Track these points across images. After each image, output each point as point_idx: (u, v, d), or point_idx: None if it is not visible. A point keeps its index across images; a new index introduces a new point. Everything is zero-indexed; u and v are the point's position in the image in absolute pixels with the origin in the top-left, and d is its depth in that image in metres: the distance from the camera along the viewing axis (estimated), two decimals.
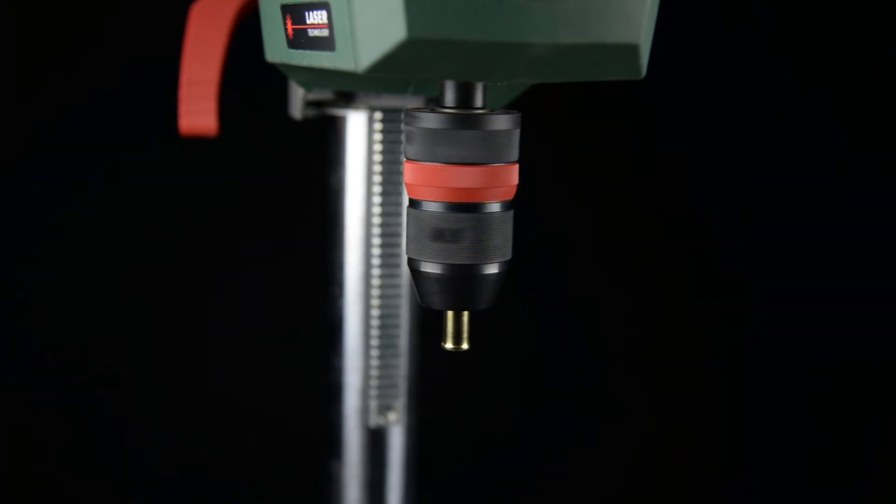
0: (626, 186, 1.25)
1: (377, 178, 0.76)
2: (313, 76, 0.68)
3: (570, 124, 1.22)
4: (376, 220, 0.77)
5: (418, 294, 0.53)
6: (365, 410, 0.79)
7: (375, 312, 0.78)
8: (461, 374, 1.16)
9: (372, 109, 0.75)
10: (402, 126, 0.53)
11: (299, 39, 0.54)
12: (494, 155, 0.51)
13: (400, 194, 0.76)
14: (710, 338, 1.26)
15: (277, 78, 0.73)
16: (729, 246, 1.24)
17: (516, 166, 0.52)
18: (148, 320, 1.18)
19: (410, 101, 0.73)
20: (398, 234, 0.77)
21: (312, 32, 0.52)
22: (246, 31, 0.72)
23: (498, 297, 0.54)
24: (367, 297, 0.78)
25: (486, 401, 1.25)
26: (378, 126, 0.76)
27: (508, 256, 0.53)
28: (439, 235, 0.51)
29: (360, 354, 0.79)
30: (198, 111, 0.71)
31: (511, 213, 0.52)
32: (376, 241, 0.77)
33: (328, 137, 0.78)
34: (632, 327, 1.26)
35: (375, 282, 0.78)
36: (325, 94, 0.75)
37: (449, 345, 0.54)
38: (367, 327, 0.78)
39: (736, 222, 1.24)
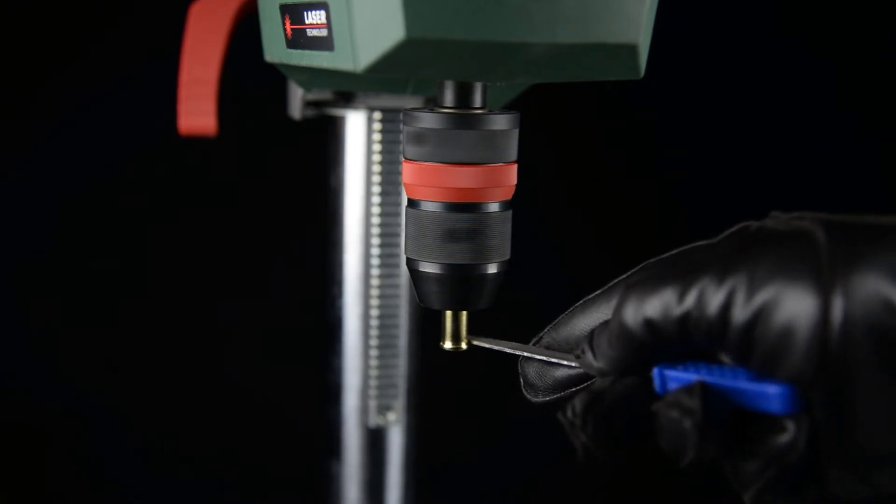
0: (625, 186, 1.25)
1: (376, 178, 0.76)
2: (312, 76, 0.68)
3: (570, 124, 1.22)
4: (375, 219, 0.77)
5: (417, 294, 0.53)
6: (364, 410, 0.79)
7: (375, 312, 0.78)
8: (461, 374, 1.16)
9: (371, 109, 0.75)
10: (402, 126, 0.53)
11: (298, 39, 0.54)
12: (493, 155, 0.51)
13: (399, 194, 0.76)
14: None
15: (277, 78, 0.73)
16: None
17: (515, 166, 0.52)
18: (147, 320, 1.18)
19: (410, 101, 0.73)
20: (397, 234, 0.77)
21: (311, 32, 0.51)
22: (246, 31, 0.72)
23: (496, 296, 0.54)
24: (366, 297, 0.78)
25: (486, 401, 1.25)
26: (377, 126, 0.76)
27: (507, 256, 0.53)
28: (451, 236, 0.51)
29: (360, 354, 0.79)
30: (197, 111, 0.71)
31: (510, 212, 0.52)
32: (375, 240, 0.77)
33: (327, 137, 0.78)
34: None
35: (374, 282, 0.78)
36: (324, 94, 0.75)
37: (448, 345, 0.54)
38: (366, 327, 0.78)
39: (736, 222, 1.24)
